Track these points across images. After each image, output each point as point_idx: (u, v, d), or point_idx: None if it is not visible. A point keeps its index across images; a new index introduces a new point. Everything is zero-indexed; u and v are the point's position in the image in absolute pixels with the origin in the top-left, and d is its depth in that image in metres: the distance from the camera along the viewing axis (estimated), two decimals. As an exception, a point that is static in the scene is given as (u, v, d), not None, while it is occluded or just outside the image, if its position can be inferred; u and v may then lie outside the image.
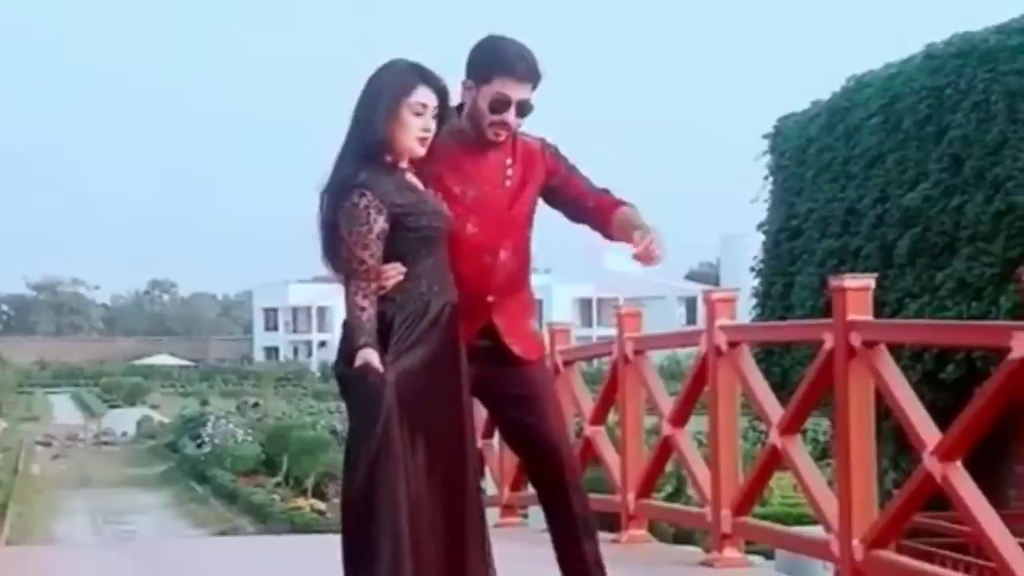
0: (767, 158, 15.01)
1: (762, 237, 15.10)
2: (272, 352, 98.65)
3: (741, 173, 17.18)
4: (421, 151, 4.39)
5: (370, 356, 4.20)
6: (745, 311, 13.85)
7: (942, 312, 11.41)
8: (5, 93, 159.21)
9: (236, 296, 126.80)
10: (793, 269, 14.04)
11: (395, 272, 4.32)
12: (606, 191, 4.78)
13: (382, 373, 4.19)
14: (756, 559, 7.85)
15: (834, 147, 13.51)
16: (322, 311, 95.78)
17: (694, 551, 8.11)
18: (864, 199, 12.85)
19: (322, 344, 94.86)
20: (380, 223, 4.26)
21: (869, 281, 6.06)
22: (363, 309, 4.24)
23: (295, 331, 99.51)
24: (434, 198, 4.42)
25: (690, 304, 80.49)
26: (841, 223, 13.19)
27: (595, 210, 4.75)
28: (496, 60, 4.55)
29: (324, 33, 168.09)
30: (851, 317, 5.91)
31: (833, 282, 6.10)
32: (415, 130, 4.35)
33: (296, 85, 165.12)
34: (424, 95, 4.37)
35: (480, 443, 7.72)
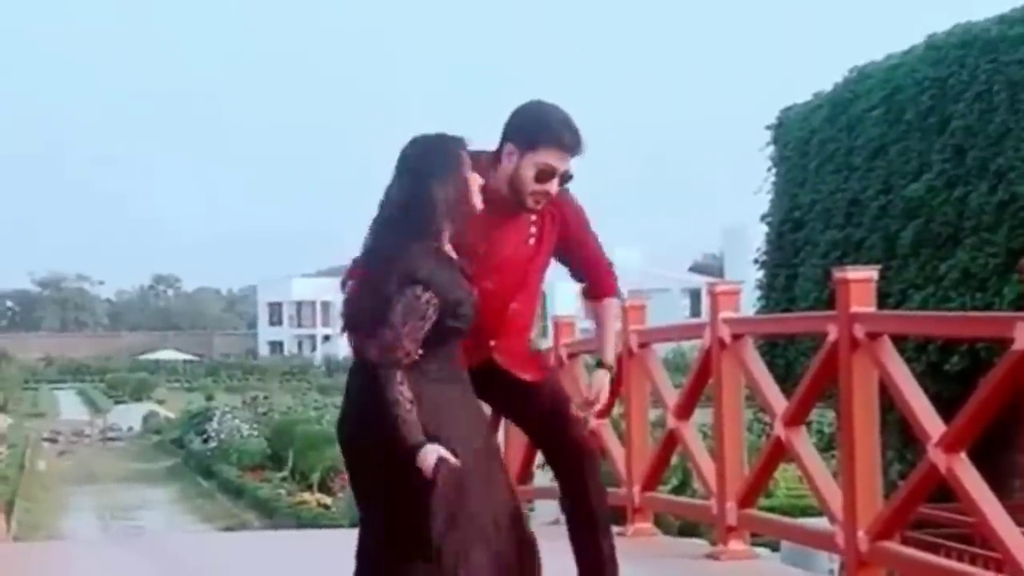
0: (770, 149, 15.01)
1: (765, 229, 15.10)
2: (277, 347, 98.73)
3: (744, 164, 17.20)
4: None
5: (436, 450, 4.05)
6: (749, 303, 13.86)
7: (946, 303, 11.41)
8: (5, 92, 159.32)
9: (240, 291, 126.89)
10: (796, 261, 14.05)
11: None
12: (609, 267, 4.89)
13: (458, 466, 4.07)
14: (762, 551, 7.86)
15: (837, 138, 13.51)
16: (326, 305, 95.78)
17: (700, 544, 8.12)
18: (867, 190, 12.85)
19: (326, 338, 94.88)
20: (433, 318, 4.15)
21: (872, 273, 6.08)
22: (411, 402, 4.07)
23: (299, 325, 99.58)
24: (464, 276, 4.29)
25: (694, 296, 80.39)
26: (844, 214, 13.19)
27: (590, 285, 4.89)
28: (543, 129, 4.52)
29: (333, 33, 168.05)
30: (854, 309, 5.93)
31: (836, 274, 6.11)
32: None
33: (300, 81, 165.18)
34: (477, 178, 4.31)
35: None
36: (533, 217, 4.62)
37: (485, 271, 4.46)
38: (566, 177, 4.57)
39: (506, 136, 4.56)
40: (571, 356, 8.97)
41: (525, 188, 4.51)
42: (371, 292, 4.19)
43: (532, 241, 4.64)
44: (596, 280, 4.87)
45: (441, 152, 4.28)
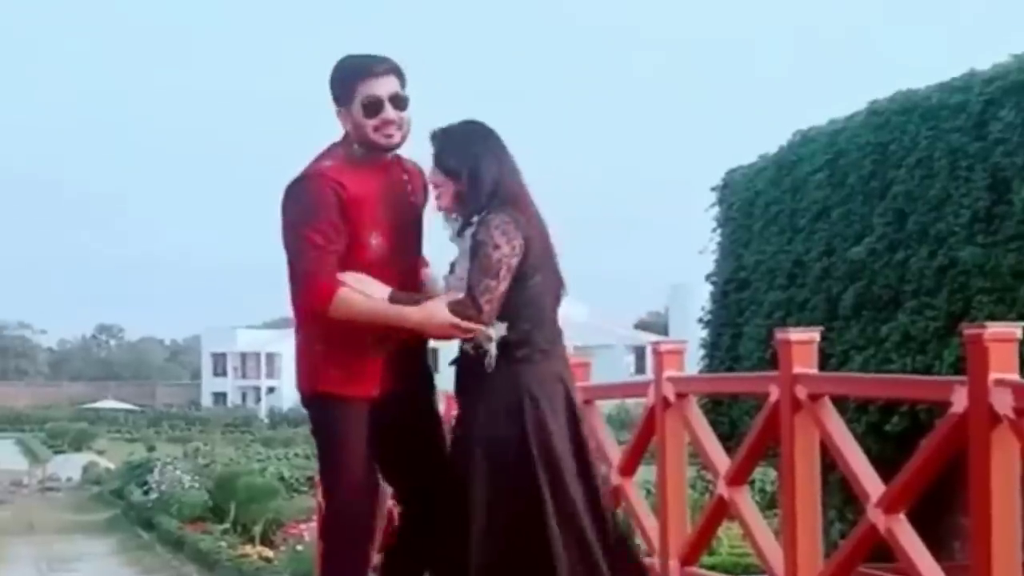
0: (715, 210, 15.17)
1: (710, 288, 15.23)
2: (220, 398, 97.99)
3: (690, 224, 17.35)
4: None
5: None
6: (693, 362, 13.95)
7: (887, 365, 11.53)
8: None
9: (184, 341, 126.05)
10: (740, 320, 14.17)
11: None
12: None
13: None
14: (703, 608, 7.89)
15: (781, 200, 13.68)
16: (271, 357, 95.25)
17: (642, 600, 8.14)
18: (810, 252, 13.00)
19: (271, 390, 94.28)
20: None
21: (814, 334, 6.17)
22: None
23: (243, 376, 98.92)
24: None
25: (639, 353, 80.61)
26: (787, 275, 13.33)
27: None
28: (345, 75, 4.44)
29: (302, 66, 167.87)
30: (796, 370, 6.01)
31: (779, 335, 6.20)
32: None
33: (250, 120, 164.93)
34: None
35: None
36: (404, 176, 4.56)
37: (376, 227, 4.42)
38: (399, 100, 4.42)
39: (335, 104, 4.47)
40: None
41: (366, 129, 4.39)
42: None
43: (412, 199, 4.60)
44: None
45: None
